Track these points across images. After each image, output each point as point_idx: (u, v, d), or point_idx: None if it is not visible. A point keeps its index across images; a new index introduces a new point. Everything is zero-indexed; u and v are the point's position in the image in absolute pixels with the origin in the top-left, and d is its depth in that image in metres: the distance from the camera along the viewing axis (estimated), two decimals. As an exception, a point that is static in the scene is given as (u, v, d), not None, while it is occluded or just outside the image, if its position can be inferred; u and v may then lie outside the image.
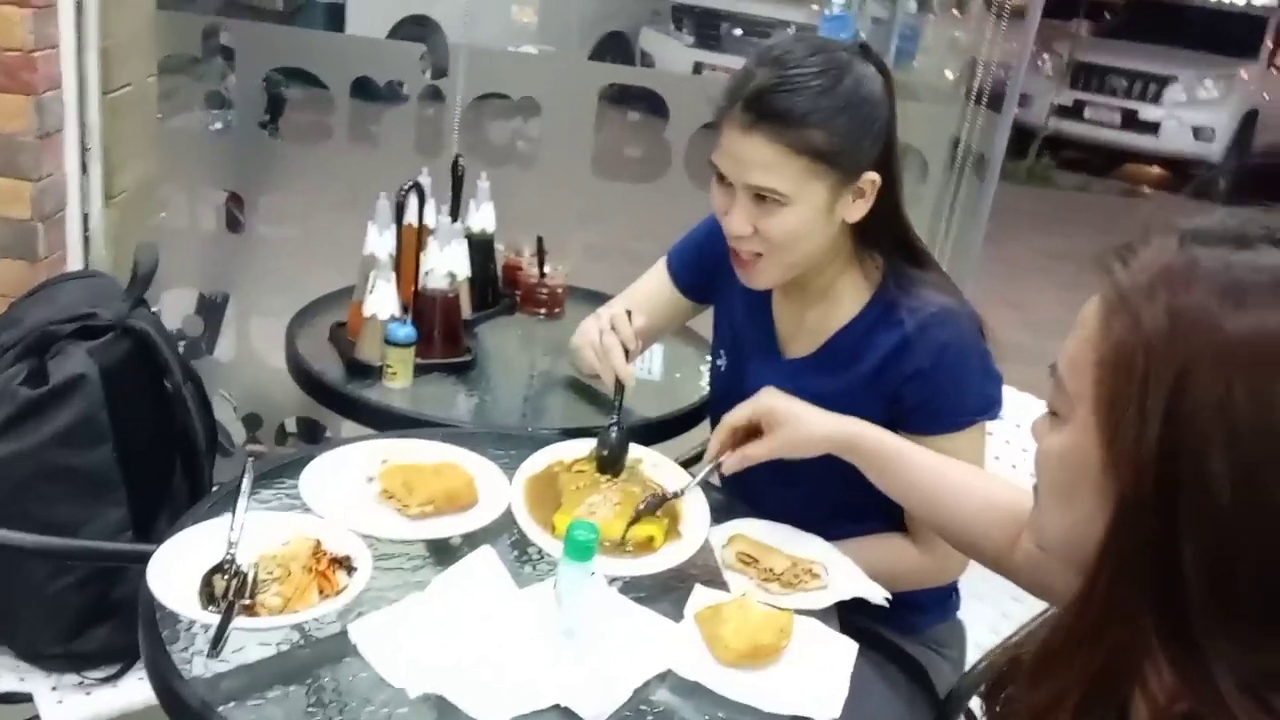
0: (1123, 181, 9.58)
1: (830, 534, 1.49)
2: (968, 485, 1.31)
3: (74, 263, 2.33)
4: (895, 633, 1.62)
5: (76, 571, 1.56)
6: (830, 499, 1.47)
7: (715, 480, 1.50)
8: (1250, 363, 0.67)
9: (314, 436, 2.92)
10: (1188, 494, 0.68)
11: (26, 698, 1.59)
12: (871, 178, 1.42)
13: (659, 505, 1.40)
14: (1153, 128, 9.22)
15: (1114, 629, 0.71)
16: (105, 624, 1.58)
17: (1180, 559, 0.68)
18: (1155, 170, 9.74)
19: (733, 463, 1.39)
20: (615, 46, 8.26)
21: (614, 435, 1.49)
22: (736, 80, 1.41)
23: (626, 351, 1.58)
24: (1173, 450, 0.68)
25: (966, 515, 1.29)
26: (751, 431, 1.39)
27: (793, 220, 1.41)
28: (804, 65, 1.38)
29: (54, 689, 1.60)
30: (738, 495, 1.61)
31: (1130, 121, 9.30)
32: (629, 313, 1.62)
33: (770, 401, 1.38)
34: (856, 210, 1.44)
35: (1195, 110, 9.17)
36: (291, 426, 2.97)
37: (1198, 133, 9.14)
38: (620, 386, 1.56)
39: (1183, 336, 0.69)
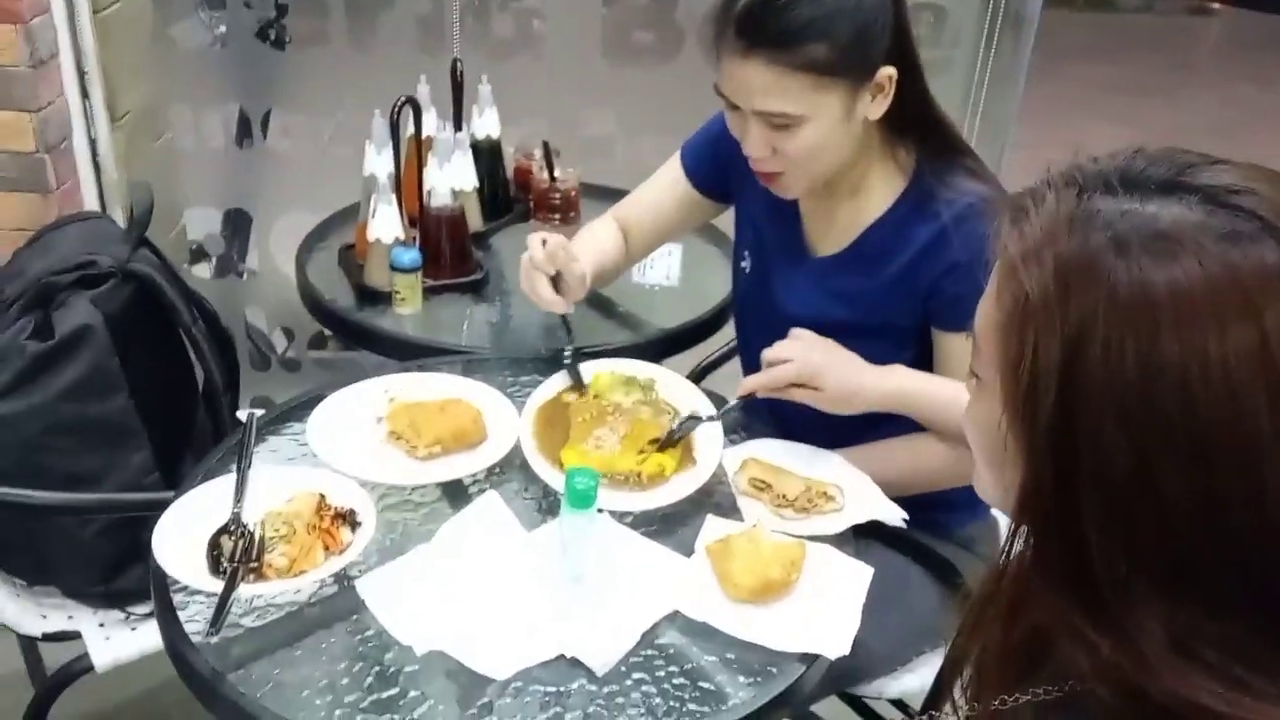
0: (1190, -2, 9.02)
1: (863, 438, 1.46)
2: None
3: (87, 191, 2.31)
4: (925, 533, 1.60)
5: (102, 520, 1.58)
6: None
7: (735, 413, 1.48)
8: (1136, 320, 0.63)
9: (351, 342, 2.92)
10: (1083, 474, 0.65)
11: (76, 635, 1.64)
12: (888, 73, 1.33)
13: (675, 442, 1.37)
14: (1222, -63, 8.59)
15: (1031, 602, 0.70)
16: (140, 564, 1.61)
17: (1085, 533, 0.65)
18: (1225, -17, 9.13)
19: (760, 380, 1.38)
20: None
21: (567, 363, 1.49)
22: (724, 1, 1.31)
23: (559, 279, 1.55)
24: (1069, 421, 0.65)
25: None
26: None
27: (811, 136, 1.34)
28: None
29: (101, 625, 1.65)
30: (761, 410, 1.57)
31: (1198, -69, 8.67)
32: (544, 241, 1.56)
33: (817, 361, 1.36)
34: (877, 108, 1.36)
35: (1270, -85, 8.49)
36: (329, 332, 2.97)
37: (1272, -60, 8.49)
38: (563, 315, 1.55)
39: (1072, 296, 0.64)
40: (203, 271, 2.86)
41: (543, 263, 1.53)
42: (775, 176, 1.42)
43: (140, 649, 1.62)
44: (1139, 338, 0.62)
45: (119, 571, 1.62)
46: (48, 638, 1.64)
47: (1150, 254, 0.63)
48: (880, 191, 1.45)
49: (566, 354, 1.53)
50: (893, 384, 1.38)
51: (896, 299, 1.44)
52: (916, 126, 1.42)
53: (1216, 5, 8.87)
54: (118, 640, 1.63)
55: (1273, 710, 0.63)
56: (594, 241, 1.71)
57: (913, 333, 1.46)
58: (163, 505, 1.22)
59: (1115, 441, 0.63)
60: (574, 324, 1.66)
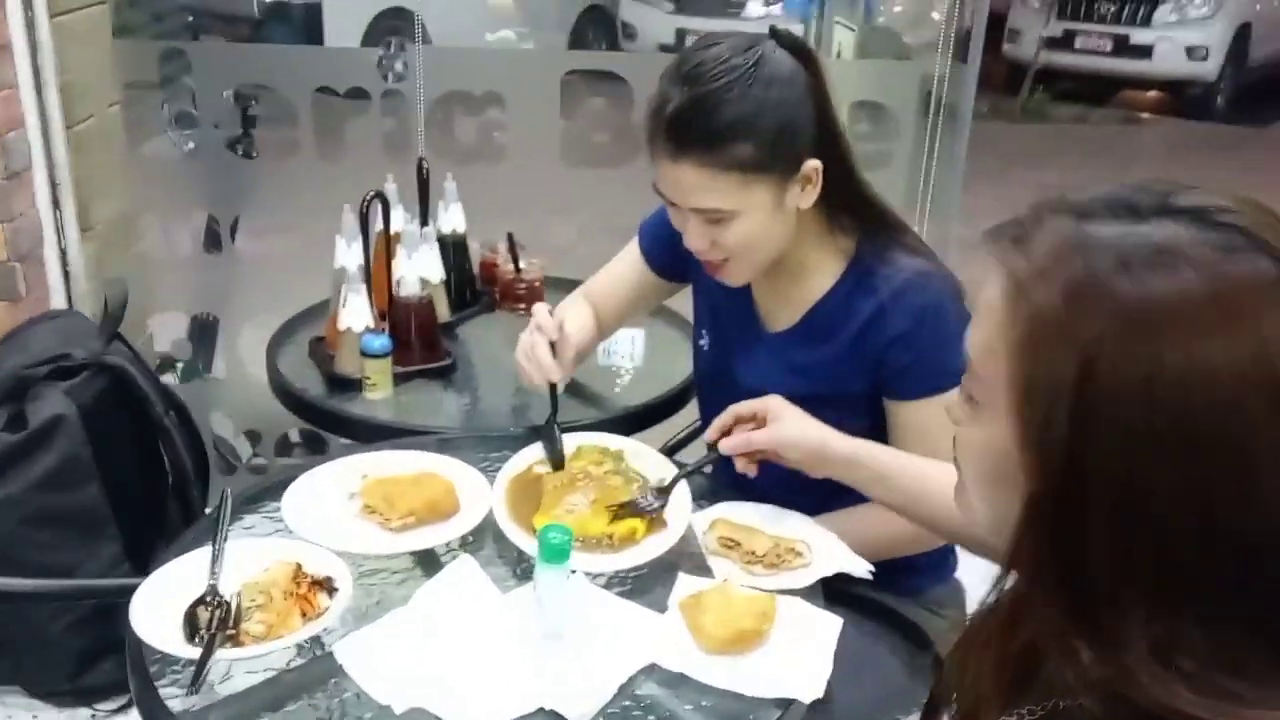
0: (1120, 109, 9.46)
1: (826, 507, 1.49)
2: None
3: (57, 299, 2.34)
4: (893, 597, 1.62)
5: (76, 611, 1.58)
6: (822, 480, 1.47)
7: (707, 468, 1.50)
8: (1142, 331, 0.66)
9: (317, 446, 2.94)
10: (1091, 490, 0.67)
11: (41, 735, 1.62)
12: (813, 165, 1.41)
13: (656, 508, 1.40)
14: (1145, 51, 9.08)
15: (1028, 618, 0.71)
16: (109, 659, 1.61)
17: (1086, 552, 0.67)
18: (1152, 94, 9.61)
19: (734, 443, 1.39)
20: (596, 21, 8.18)
21: (551, 432, 1.52)
22: (655, 105, 1.40)
23: (554, 346, 1.59)
24: (1079, 444, 0.67)
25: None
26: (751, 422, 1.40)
27: (745, 228, 1.41)
28: (715, 76, 1.35)
29: (67, 725, 1.63)
30: (729, 477, 1.61)
31: (1122, 47, 9.16)
32: (552, 312, 1.62)
33: (781, 404, 1.38)
34: (807, 198, 1.43)
35: (1187, 29, 9.01)
36: (295, 437, 2.98)
37: (1191, 52, 8.99)
38: (553, 385, 1.57)
39: (1080, 313, 0.68)
40: (169, 379, 2.88)
41: (550, 328, 1.58)
42: (719, 266, 1.49)
43: (107, 746, 1.60)
44: (1145, 349, 0.65)
45: (87, 667, 1.61)
46: (12, 738, 1.61)
47: (1152, 269, 0.67)
48: (824, 270, 1.52)
49: (550, 420, 1.55)
50: (847, 446, 1.37)
51: (849, 369, 1.49)
52: (851, 210, 1.49)
53: (1145, 115, 9.32)
54: (84, 738, 1.61)
55: (1256, 716, 0.64)
56: (577, 317, 1.77)
57: (867, 400, 1.51)
58: (135, 590, 1.22)
59: (1124, 452, 0.66)
60: (559, 397, 1.66)
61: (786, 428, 1.36)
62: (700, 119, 1.35)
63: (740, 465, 1.41)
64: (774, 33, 1.42)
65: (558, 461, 1.49)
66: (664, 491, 1.43)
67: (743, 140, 1.35)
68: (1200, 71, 9.08)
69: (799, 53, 1.40)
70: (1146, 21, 9.05)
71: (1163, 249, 0.68)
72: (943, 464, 1.34)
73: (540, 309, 1.62)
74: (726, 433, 1.42)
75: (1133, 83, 9.50)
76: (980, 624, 0.76)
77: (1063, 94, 9.24)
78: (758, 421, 1.39)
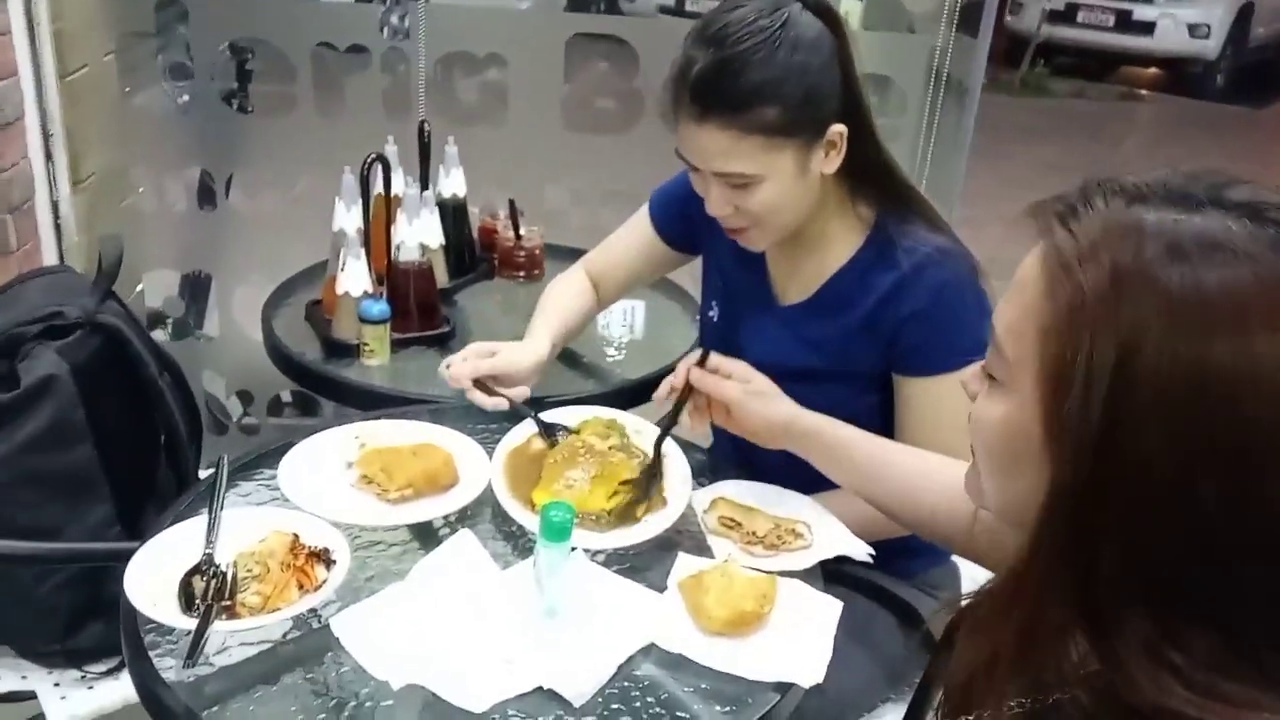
0: (1119, 85, 9.44)
1: (830, 484, 1.48)
2: (926, 474, 1.29)
3: (48, 252, 2.31)
4: (889, 578, 1.62)
5: (64, 572, 1.56)
6: None
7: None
8: (1190, 323, 0.64)
9: (309, 408, 2.92)
10: (1121, 481, 0.66)
11: (30, 695, 1.60)
12: (838, 129, 1.39)
13: (651, 483, 1.39)
14: (1147, 27, 9.06)
15: (1040, 604, 0.70)
16: (99, 620, 1.59)
17: (1101, 545, 0.66)
18: (1152, 71, 9.59)
19: (706, 382, 1.36)
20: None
21: (533, 417, 1.52)
22: (679, 68, 1.38)
23: (491, 383, 1.57)
24: (1113, 432, 0.65)
25: (927, 506, 1.28)
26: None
27: (769, 193, 1.39)
28: (741, 39, 1.33)
29: (56, 685, 1.61)
30: (730, 455, 1.60)
31: (1124, 22, 9.13)
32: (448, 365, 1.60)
33: (746, 365, 1.37)
34: (831, 163, 1.42)
35: (1190, 6, 8.99)
36: (287, 397, 2.97)
37: (1193, 30, 8.97)
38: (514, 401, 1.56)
39: (1126, 299, 0.66)
40: (160, 335, 2.85)
41: (463, 376, 1.56)
42: (741, 231, 1.47)
43: (98, 708, 1.59)
44: (1192, 342, 0.63)
45: (77, 629, 1.59)
46: (1, 699, 1.60)
47: (1206, 260, 0.65)
48: (843, 241, 1.51)
49: (531, 414, 1.53)
50: (810, 419, 1.35)
51: (860, 345, 1.48)
52: (873, 180, 1.48)
53: (1144, 92, 9.29)
54: (74, 700, 1.60)
55: (1247, 715, 0.64)
56: (559, 303, 1.76)
57: (876, 377, 1.51)
58: (127, 555, 1.20)
59: (1159, 446, 0.64)
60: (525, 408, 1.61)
61: (758, 401, 1.34)
62: (726, 81, 1.34)
63: (692, 420, 1.40)
64: None
65: (550, 438, 1.48)
66: (655, 461, 1.41)
67: (768, 104, 1.33)
68: (1201, 49, 9.06)
69: (825, 15, 1.38)
70: (1150, -2, 9.01)
71: (1217, 241, 0.66)
72: (921, 453, 1.34)
73: (455, 359, 1.58)
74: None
75: (1133, 59, 9.46)
76: (975, 609, 0.75)
77: (1063, 68, 9.21)
78: (720, 373, 1.36)
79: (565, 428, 1.50)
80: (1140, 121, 8.80)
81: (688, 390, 1.39)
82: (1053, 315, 0.69)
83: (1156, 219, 0.68)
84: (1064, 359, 0.68)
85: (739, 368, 1.37)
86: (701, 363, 1.38)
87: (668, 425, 1.43)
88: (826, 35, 1.37)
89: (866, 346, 1.47)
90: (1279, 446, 0.63)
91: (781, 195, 1.40)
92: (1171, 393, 0.64)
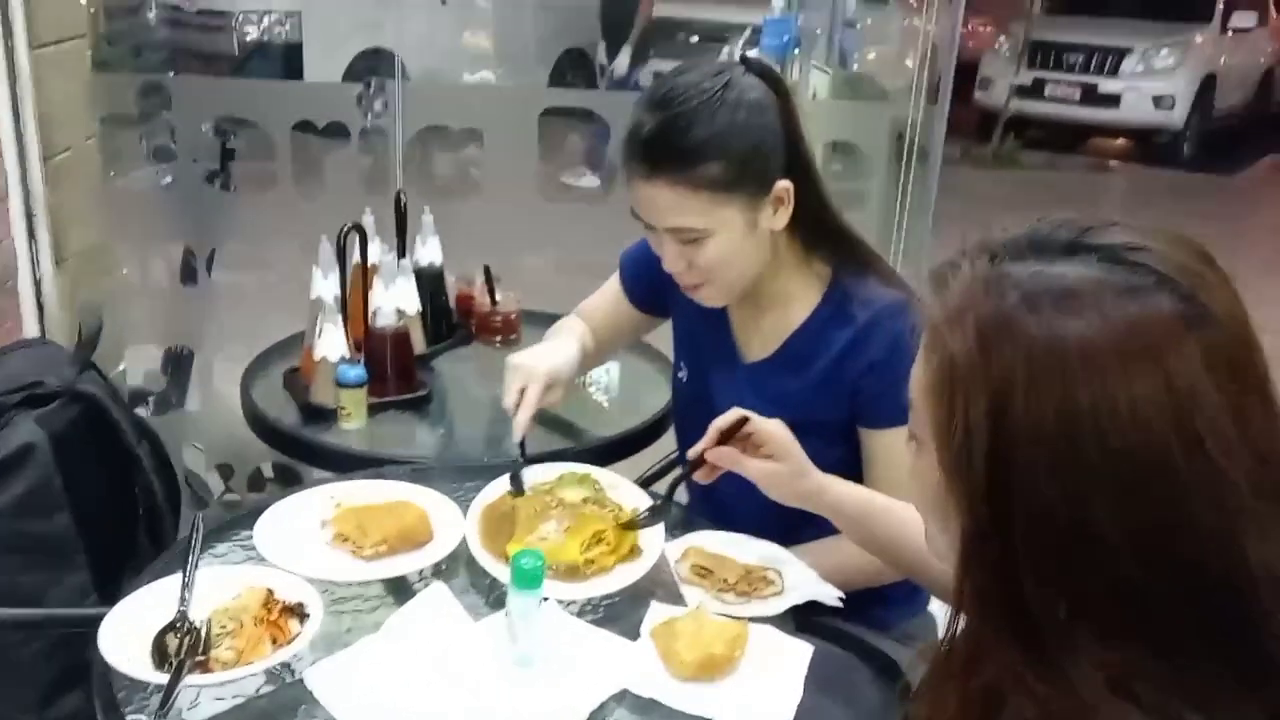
0: (1089, 156, 9.63)
1: (801, 537, 1.50)
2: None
3: (30, 328, 2.32)
4: (865, 629, 1.63)
5: (44, 639, 1.56)
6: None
7: (682, 490, 1.50)
8: (1050, 370, 0.67)
9: (290, 480, 2.92)
10: (1019, 522, 0.68)
11: (4, 769, 1.59)
12: (784, 185, 1.45)
13: (652, 521, 1.41)
14: (1113, 100, 9.27)
15: (984, 656, 0.72)
16: (76, 690, 1.58)
17: (1023, 586, 0.69)
18: (1120, 142, 9.80)
19: (726, 455, 1.36)
20: (575, 63, 8.27)
21: (517, 461, 1.55)
22: (630, 130, 1.44)
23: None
24: (1001, 472, 0.69)
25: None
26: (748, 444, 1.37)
27: (719, 247, 1.44)
28: (686, 99, 1.40)
29: (31, 759, 1.60)
30: (705, 505, 1.62)
31: (1090, 96, 9.35)
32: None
33: (782, 432, 1.35)
34: (780, 219, 1.47)
35: (1153, 80, 9.22)
36: (269, 472, 2.97)
37: (1158, 101, 9.19)
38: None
39: (993, 353, 0.69)
40: (142, 411, 2.86)
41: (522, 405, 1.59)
42: (697, 288, 1.52)
43: (72, 780, 1.58)
44: (1054, 389, 0.67)
45: (54, 698, 1.59)
46: (-27, 771, 1.58)
47: (1059, 310, 0.68)
48: (801, 299, 1.55)
49: (519, 458, 1.56)
50: (833, 492, 1.37)
51: (824, 398, 1.51)
52: (826, 237, 1.53)
53: (1113, 162, 9.49)
54: (48, 772, 1.58)
55: None
56: (575, 327, 1.80)
57: (841, 429, 1.53)
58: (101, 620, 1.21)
59: (1046, 488, 0.67)
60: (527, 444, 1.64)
61: (786, 473, 1.34)
62: (672, 139, 1.40)
63: (701, 475, 1.40)
64: (744, 60, 1.47)
65: (517, 490, 1.50)
66: (652, 514, 1.43)
67: (713, 159, 1.39)
68: (1166, 120, 9.28)
69: (767, 78, 1.45)
70: (1115, 71, 9.25)
71: (1067, 290, 0.69)
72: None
73: (515, 383, 1.61)
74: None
75: (1101, 130, 9.69)
76: (940, 663, 0.77)
77: (1033, 141, 9.41)
78: (752, 442, 1.36)
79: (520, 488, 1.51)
80: (1111, 190, 8.97)
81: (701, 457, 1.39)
82: (932, 377, 0.74)
83: (1017, 272, 0.72)
84: (945, 416, 0.72)
85: (777, 443, 1.34)
86: (737, 427, 1.36)
87: (677, 480, 1.45)
88: (770, 96, 1.43)
89: (829, 400, 1.51)
90: (1159, 483, 0.66)
91: (731, 249, 1.45)
92: (1045, 436, 0.67)
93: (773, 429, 1.35)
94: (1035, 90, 9.42)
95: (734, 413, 1.36)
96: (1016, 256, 0.73)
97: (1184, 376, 0.67)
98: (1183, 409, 0.66)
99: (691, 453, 1.39)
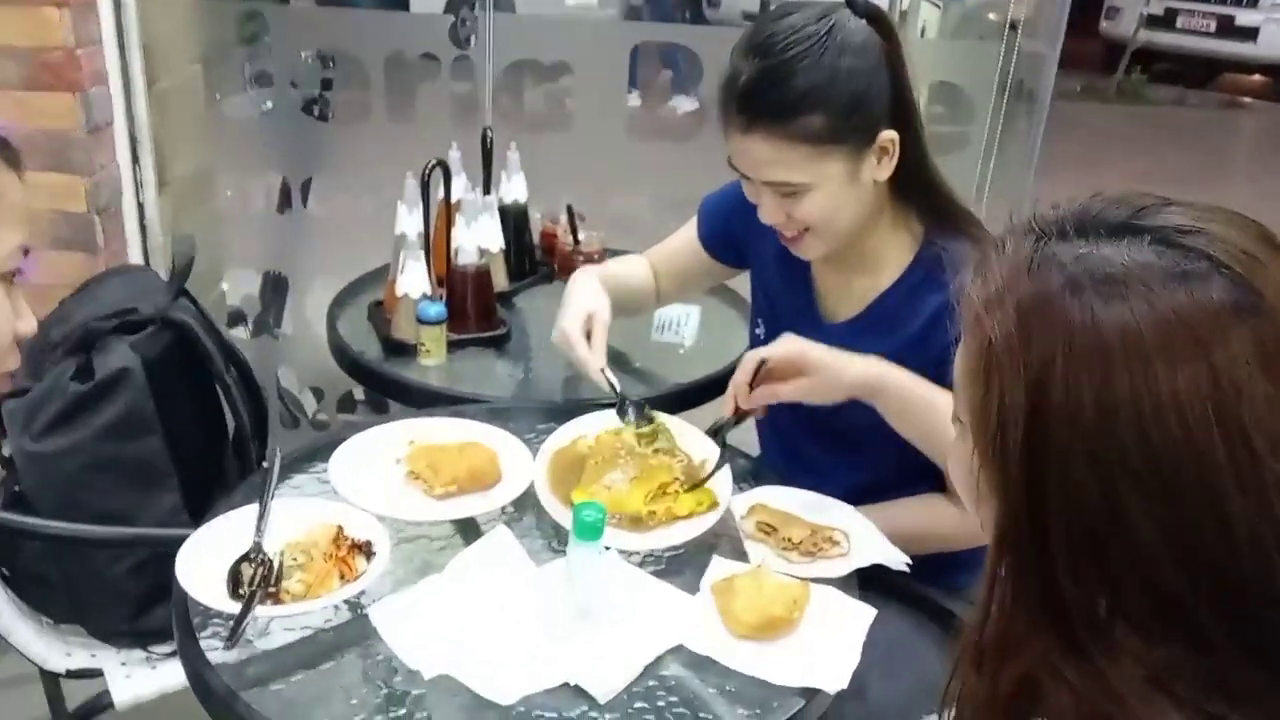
0: (1221, 93, 9.13)
1: (876, 497, 1.48)
2: None
3: (133, 252, 2.41)
4: (938, 591, 1.61)
5: (136, 556, 1.63)
6: (880, 463, 1.48)
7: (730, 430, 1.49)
8: (1090, 357, 0.65)
9: (380, 405, 2.99)
10: (1054, 501, 0.66)
11: (98, 673, 1.68)
12: (890, 135, 1.38)
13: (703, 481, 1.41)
14: (1251, 33, 8.72)
15: (1017, 646, 0.70)
16: (165, 604, 1.65)
17: (1058, 567, 0.67)
18: (1256, 78, 9.24)
19: (760, 396, 1.39)
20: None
21: (628, 408, 1.53)
22: (726, 78, 1.38)
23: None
24: (1037, 460, 0.67)
25: None
26: (775, 375, 1.40)
27: (820, 201, 1.39)
28: (786, 47, 1.33)
29: (123, 664, 1.69)
30: (776, 464, 1.60)
31: (1226, 28, 8.80)
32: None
33: (800, 346, 1.38)
34: (884, 169, 1.41)
35: (1297, 12, 8.64)
36: (359, 394, 3.04)
37: (1300, 36, 8.62)
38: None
39: (1033, 337, 0.67)
40: (240, 333, 2.96)
41: (587, 337, 1.61)
42: (796, 239, 1.47)
43: (160, 687, 1.66)
44: (1094, 377, 0.64)
45: (146, 610, 1.67)
46: (71, 675, 1.68)
47: (1101, 296, 0.65)
48: (892, 259, 1.50)
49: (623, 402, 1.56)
50: (876, 368, 1.38)
51: (909, 364, 1.46)
52: (921, 193, 1.47)
53: (1247, 100, 8.98)
54: (138, 678, 1.67)
55: None
56: (617, 269, 1.80)
57: None
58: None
59: (1082, 478, 0.65)
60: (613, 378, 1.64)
61: (817, 381, 1.37)
62: (771, 91, 1.34)
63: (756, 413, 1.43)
64: (850, 1, 1.39)
65: (637, 418, 1.51)
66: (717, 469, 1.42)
67: (814, 111, 1.33)
68: (1309, 56, 8.71)
69: (874, 21, 1.37)
70: (1253, 2, 8.68)
71: (1114, 274, 0.66)
72: None
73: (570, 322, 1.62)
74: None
75: (1236, 65, 9.14)
76: (970, 644, 0.75)
77: (1161, 75, 8.95)
78: (784, 372, 1.39)
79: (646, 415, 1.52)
80: (1243, 130, 8.51)
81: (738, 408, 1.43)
82: (971, 361, 0.72)
83: (1063, 253, 0.69)
84: (982, 401, 0.70)
85: (799, 363, 1.37)
86: (758, 370, 1.40)
87: (726, 429, 1.46)
88: (875, 40, 1.36)
89: (915, 366, 1.45)
90: (1197, 478, 0.63)
91: (833, 203, 1.40)
92: (1081, 425, 0.65)
93: (788, 353, 1.38)
94: (1167, 20, 8.91)
95: (750, 360, 1.40)
96: (1063, 236, 0.70)
97: (1231, 369, 0.63)
98: (1227, 404, 0.63)
99: (725, 410, 1.44)
